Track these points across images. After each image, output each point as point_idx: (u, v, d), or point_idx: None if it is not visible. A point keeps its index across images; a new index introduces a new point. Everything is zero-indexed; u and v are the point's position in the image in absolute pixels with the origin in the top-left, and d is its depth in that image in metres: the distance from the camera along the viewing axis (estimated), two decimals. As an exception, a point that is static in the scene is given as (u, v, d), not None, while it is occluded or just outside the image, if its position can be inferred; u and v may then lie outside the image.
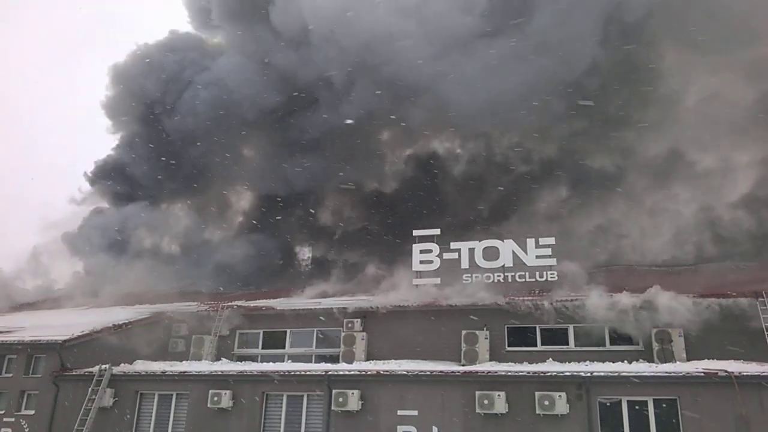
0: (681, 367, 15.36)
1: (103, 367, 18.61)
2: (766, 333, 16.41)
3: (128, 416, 18.33)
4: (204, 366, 19.11)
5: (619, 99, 26.88)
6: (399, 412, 15.97)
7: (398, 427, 15.86)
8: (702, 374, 14.43)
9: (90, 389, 18.26)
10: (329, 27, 27.29)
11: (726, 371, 14.21)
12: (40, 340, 19.65)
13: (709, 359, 15.96)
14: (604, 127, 27.23)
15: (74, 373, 19.10)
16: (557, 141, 28.44)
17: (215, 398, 17.33)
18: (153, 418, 18.28)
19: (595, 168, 28.37)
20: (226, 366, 18.96)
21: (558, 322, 18.16)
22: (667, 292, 17.13)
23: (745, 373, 14.17)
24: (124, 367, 19.15)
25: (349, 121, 27.68)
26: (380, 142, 32.59)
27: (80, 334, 19.77)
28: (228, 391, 17.39)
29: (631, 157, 27.95)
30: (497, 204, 29.72)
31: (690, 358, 16.69)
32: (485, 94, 24.90)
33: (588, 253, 23.50)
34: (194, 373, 18.31)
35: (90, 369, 18.87)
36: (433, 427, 15.57)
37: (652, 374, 14.83)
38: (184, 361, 20.05)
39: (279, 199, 31.14)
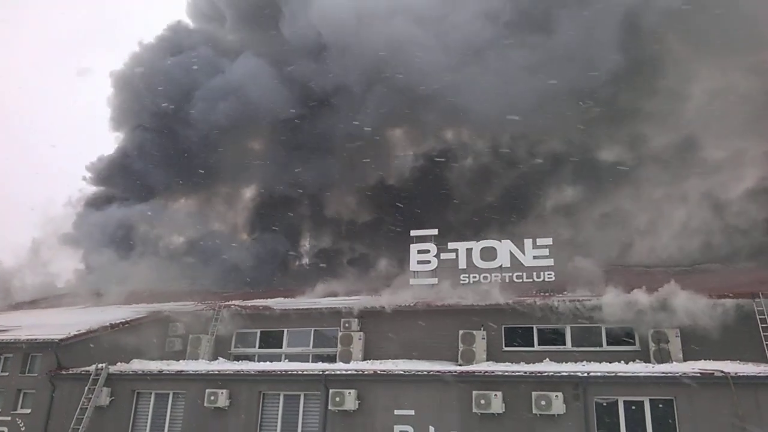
0: (677, 367, 15.35)
1: (100, 366, 18.58)
2: (762, 333, 16.47)
3: (125, 415, 18.30)
4: (201, 365, 19.08)
5: (629, 95, 27.07)
6: (396, 412, 15.96)
7: (395, 426, 15.85)
8: (698, 375, 14.44)
9: (86, 388, 18.24)
10: (344, 37, 27.42)
11: (722, 372, 14.22)
12: (36, 339, 19.62)
13: (705, 360, 15.99)
14: (615, 121, 27.51)
15: (71, 372, 19.07)
16: (568, 137, 28.59)
17: (212, 397, 17.31)
18: (150, 417, 18.26)
19: (603, 162, 28.50)
20: (223, 365, 18.94)
21: (556, 322, 18.21)
22: (683, 292, 17.18)
23: (741, 374, 14.17)
24: (120, 366, 19.13)
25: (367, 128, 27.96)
26: (392, 145, 32.82)
27: (77, 333, 19.72)
28: (225, 391, 17.37)
29: (640, 150, 28.09)
30: (509, 202, 29.80)
31: (687, 358, 16.71)
32: (500, 102, 25.16)
33: (599, 250, 23.63)
34: (191, 372, 18.30)
35: (86, 368, 18.83)
36: (430, 426, 15.57)
37: (649, 374, 14.84)
38: (181, 361, 20.02)
39: (287, 198, 31.23)
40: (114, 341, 20.04)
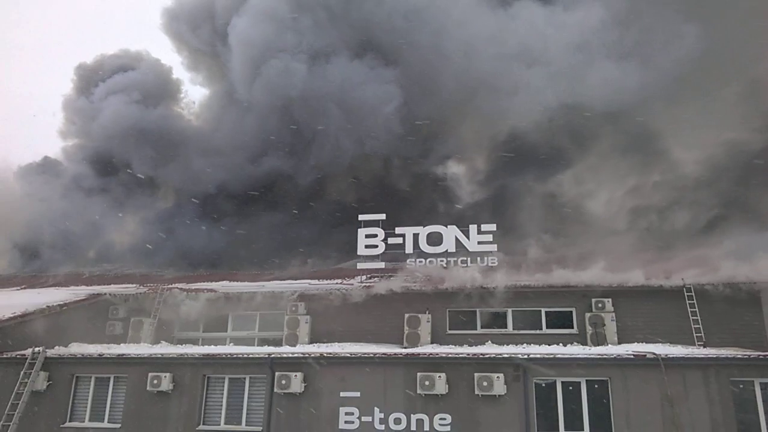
0: (612, 349, 16.03)
1: (37, 349, 17.98)
2: (690, 317, 17.41)
3: (63, 400, 17.84)
4: (143, 349, 18.76)
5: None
6: (341, 394, 16.09)
7: (340, 408, 15.98)
8: (631, 356, 15.11)
9: (22, 372, 17.64)
10: None
11: (654, 354, 14.93)
12: (-32, 322, 18.85)
13: (638, 342, 16.79)
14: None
15: (5, 356, 18.38)
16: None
17: (155, 381, 17.03)
18: (89, 401, 17.78)
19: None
20: (166, 349, 18.67)
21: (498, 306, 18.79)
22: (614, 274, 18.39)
23: (670, 356, 14.92)
24: (58, 350, 18.58)
25: None
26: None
27: (12, 315, 19.02)
28: (168, 374, 17.10)
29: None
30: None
31: (621, 341, 17.54)
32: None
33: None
34: (133, 355, 17.93)
35: (22, 352, 18.23)
36: (375, 407, 15.79)
37: (585, 356, 15.44)
38: (122, 344, 19.64)
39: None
40: (52, 324, 19.44)
